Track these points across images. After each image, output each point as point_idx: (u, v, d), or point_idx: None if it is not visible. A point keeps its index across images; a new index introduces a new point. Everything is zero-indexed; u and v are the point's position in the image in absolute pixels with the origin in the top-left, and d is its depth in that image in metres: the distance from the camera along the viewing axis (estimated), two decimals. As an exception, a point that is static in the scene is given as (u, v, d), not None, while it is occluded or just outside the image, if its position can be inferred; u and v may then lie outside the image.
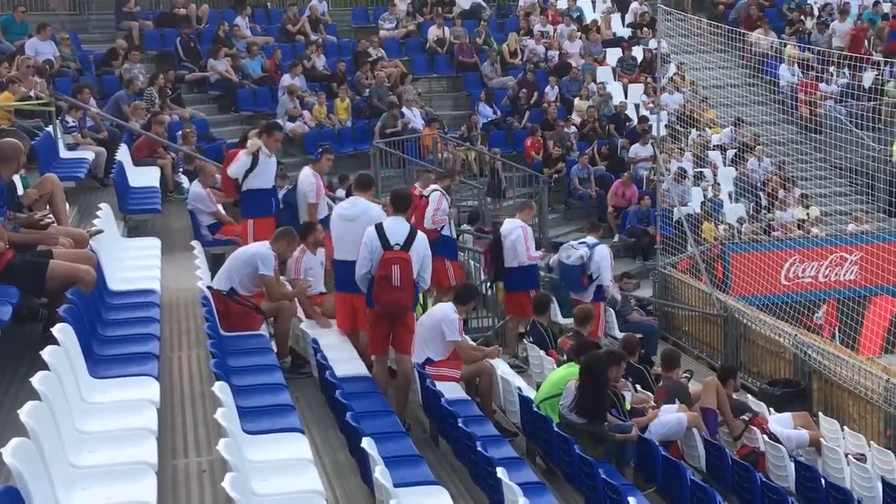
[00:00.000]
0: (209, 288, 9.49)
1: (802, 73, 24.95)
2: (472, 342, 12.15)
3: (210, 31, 22.93)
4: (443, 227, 13.57)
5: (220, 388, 6.63)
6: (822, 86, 24.41)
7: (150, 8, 23.86)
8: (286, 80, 21.65)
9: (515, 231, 13.99)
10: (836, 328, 18.86)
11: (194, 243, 11.01)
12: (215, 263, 11.20)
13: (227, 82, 21.74)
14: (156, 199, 13.45)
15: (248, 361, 8.38)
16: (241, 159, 12.10)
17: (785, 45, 25.59)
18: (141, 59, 21.22)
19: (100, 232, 9.25)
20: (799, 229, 21.24)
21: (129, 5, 22.85)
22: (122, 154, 14.42)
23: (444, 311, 10.63)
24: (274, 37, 24.06)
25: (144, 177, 14.41)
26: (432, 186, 13.88)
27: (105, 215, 10.14)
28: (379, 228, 9.64)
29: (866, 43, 26.69)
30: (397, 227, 9.66)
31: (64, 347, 6.30)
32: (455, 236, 14.72)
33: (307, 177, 12.61)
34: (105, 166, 14.61)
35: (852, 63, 23.23)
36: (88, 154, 14.54)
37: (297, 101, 21.41)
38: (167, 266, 10.43)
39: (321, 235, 11.31)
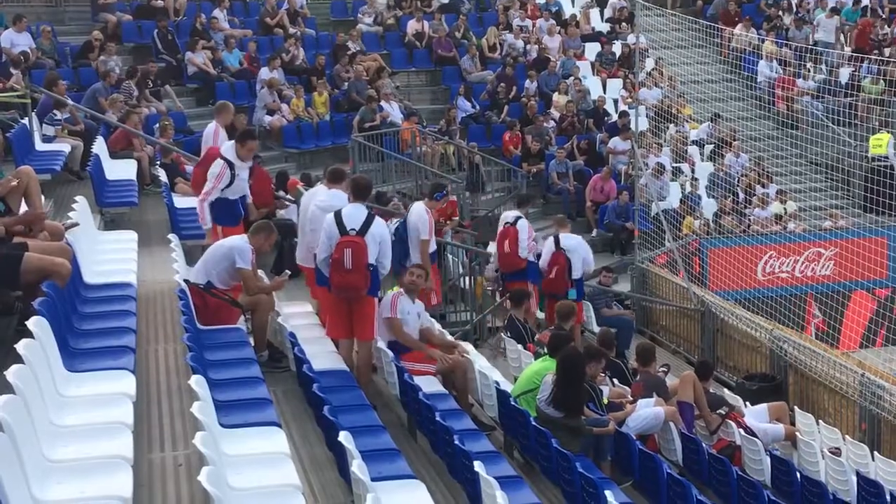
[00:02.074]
0: (186, 281, 9.45)
1: (782, 69, 25.05)
2: (449, 334, 12.21)
3: (188, 24, 22.81)
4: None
5: (197, 382, 6.60)
6: (800, 82, 24.53)
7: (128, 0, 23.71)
8: (265, 73, 21.57)
9: (582, 245, 14.39)
10: (813, 324, 19.00)
11: (171, 237, 10.97)
12: (191, 258, 11.15)
13: (204, 75, 21.65)
14: (132, 193, 13.39)
15: (225, 355, 8.35)
16: (223, 178, 11.54)
17: (763, 40, 25.69)
18: (118, 51, 21.09)
19: (75, 225, 9.20)
20: (776, 225, 21.34)
21: (106, -3, 22.72)
22: (99, 147, 14.33)
23: (386, 296, 10.71)
24: (252, 29, 23.96)
25: (121, 170, 14.33)
26: (515, 213, 14.19)
27: (81, 208, 10.08)
28: (337, 215, 10.02)
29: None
30: (355, 213, 10.03)
31: (39, 341, 6.26)
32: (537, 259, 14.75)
33: (420, 213, 12.74)
34: (81, 159, 14.53)
35: (854, 59, 23.40)
36: (64, 147, 14.46)
37: (276, 95, 21.34)
38: (144, 259, 10.39)
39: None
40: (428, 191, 14.21)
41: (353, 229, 9.91)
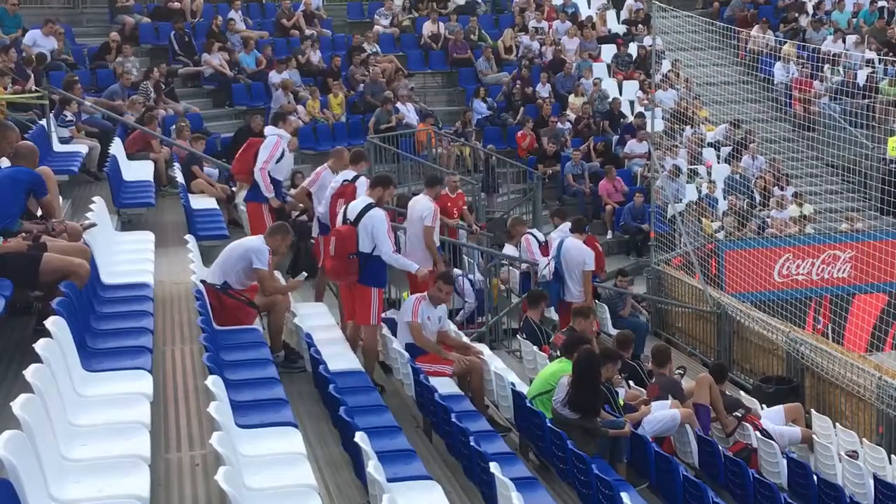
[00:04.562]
0: (202, 282, 9.48)
1: (798, 70, 24.94)
2: (465, 336, 12.22)
3: (204, 26, 22.88)
4: None
5: (214, 382, 6.62)
6: (816, 84, 24.44)
7: (145, 2, 23.79)
8: (274, 77, 21.60)
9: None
10: (828, 326, 18.93)
11: (188, 237, 11.01)
12: (207, 259, 11.20)
13: (221, 77, 21.71)
14: (149, 193, 13.45)
15: (241, 356, 8.38)
16: (278, 152, 12.55)
17: (784, 43, 25.56)
18: (135, 52, 21.18)
19: (93, 225, 9.25)
20: (793, 227, 21.26)
21: (123, -1, 22.83)
22: (116, 148, 14.40)
23: (408, 300, 10.99)
24: (268, 31, 24.02)
25: (138, 171, 14.40)
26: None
27: (98, 209, 10.14)
28: (345, 208, 10.75)
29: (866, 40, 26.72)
30: (357, 205, 10.67)
31: (57, 340, 6.29)
32: None
33: (579, 248, 13.56)
34: (98, 160, 14.59)
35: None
36: (82, 148, 14.53)
37: (291, 97, 21.37)
38: (160, 260, 10.44)
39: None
40: (574, 225, 14.62)
41: (349, 220, 10.51)
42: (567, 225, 15.05)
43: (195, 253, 10.39)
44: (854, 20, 27.92)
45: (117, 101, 17.66)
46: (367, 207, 10.49)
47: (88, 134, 15.37)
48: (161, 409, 7.24)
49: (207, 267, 10.14)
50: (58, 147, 14.37)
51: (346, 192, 11.87)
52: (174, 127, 17.05)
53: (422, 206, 12.38)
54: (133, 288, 8.85)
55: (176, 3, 23.10)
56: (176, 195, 14.10)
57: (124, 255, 9.97)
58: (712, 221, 21.02)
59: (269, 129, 12.99)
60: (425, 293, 10.85)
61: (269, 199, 12.56)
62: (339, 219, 10.77)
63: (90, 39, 22.08)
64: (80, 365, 6.77)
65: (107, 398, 6.48)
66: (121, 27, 22.13)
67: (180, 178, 14.38)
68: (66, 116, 15.12)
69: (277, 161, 12.55)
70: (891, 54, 25.39)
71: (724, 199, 22.03)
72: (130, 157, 15.06)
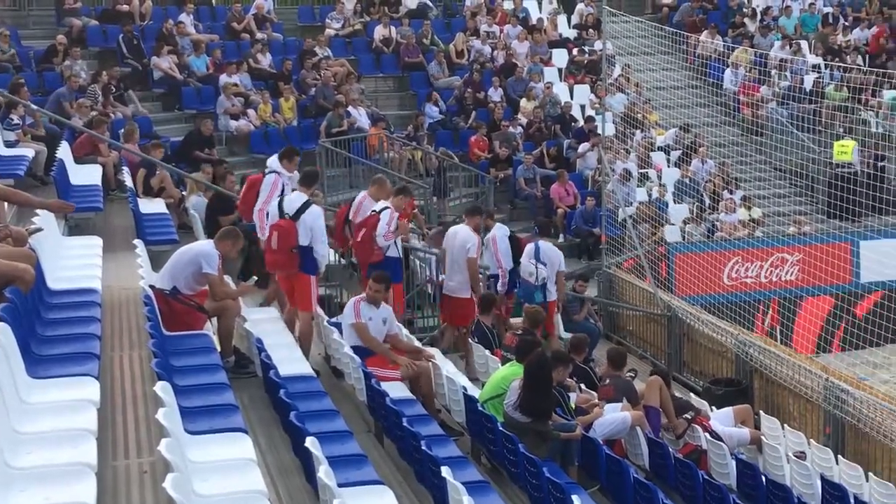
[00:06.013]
0: (151, 287, 9.39)
1: (747, 73, 25.20)
2: (416, 340, 12.22)
3: (154, 29, 22.69)
4: None
5: (162, 388, 6.56)
6: (763, 88, 24.72)
7: (93, 4, 23.54)
8: (224, 79, 21.47)
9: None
10: (778, 328, 19.18)
11: (136, 242, 10.91)
12: (156, 264, 11.10)
13: (170, 80, 21.53)
14: (97, 198, 13.30)
15: (190, 361, 8.31)
16: (277, 190, 12.04)
17: (733, 48, 25.80)
18: (83, 55, 20.95)
19: (39, 230, 9.11)
20: (742, 230, 21.48)
21: (70, 1, 22.53)
22: (63, 152, 14.22)
23: (348, 303, 11.16)
24: (219, 34, 23.86)
25: (86, 175, 14.24)
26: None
27: (45, 213, 9.97)
28: (280, 201, 11.12)
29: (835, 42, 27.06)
30: (294, 200, 11.09)
31: (2, 347, 6.20)
32: None
33: (555, 249, 14.06)
34: (45, 164, 14.41)
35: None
36: (28, 151, 14.33)
37: (234, 100, 21.23)
38: (108, 265, 10.31)
39: None
40: (542, 229, 15.49)
41: (288, 214, 10.89)
42: (500, 226, 14.61)
43: (144, 258, 10.29)
44: (801, 26, 28.27)
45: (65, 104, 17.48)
46: (306, 204, 10.95)
47: (35, 137, 15.17)
48: (108, 415, 7.15)
49: (156, 272, 10.05)
50: (3, 151, 14.16)
51: (369, 224, 11.97)
52: (122, 131, 16.88)
53: (463, 237, 13.05)
54: (80, 293, 8.73)
55: (124, 6, 22.89)
56: (125, 199, 13.96)
57: (71, 260, 9.84)
58: (662, 225, 21.16)
59: (272, 163, 12.33)
60: (363, 294, 10.92)
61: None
62: (275, 212, 11.12)
63: (36, 42, 21.83)
64: (25, 371, 6.67)
65: (52, 405, 6.39)
66: (68, 29, 21.88)
67: (129, 182, 14.23)
68: (13, 120, 14.92)
69: (280, 196, 11.69)
70: (836, 60, 25.75)
71: (675, 203, 22.21)
72: (78, 161, 14.88)
